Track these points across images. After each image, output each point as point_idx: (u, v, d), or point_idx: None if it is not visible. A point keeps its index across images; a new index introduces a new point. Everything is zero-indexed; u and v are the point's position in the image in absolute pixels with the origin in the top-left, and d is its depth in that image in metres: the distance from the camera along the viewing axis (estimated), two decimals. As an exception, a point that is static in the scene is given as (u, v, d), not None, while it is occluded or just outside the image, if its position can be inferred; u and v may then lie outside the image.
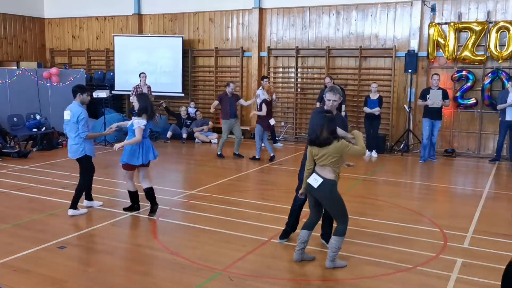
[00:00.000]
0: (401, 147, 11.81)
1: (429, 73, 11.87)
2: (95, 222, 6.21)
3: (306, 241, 5.02)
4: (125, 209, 6.72)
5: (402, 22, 12.09)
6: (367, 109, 11.37)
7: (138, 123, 6.29)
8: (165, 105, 13.91)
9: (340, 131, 4.85)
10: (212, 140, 13.24)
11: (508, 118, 10.27)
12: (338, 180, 4.86)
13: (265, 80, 12.19)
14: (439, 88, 10.65)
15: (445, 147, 11.78)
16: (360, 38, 12.58)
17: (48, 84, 13.67)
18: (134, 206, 6.71)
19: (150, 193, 6.55)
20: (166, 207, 6.94)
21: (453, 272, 4.82)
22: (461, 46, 11.33)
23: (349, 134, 4.98)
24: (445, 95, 10.64)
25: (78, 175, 6.66)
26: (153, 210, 6.55)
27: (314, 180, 4.79)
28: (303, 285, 4.57)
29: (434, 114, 10.64)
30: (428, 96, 10.56)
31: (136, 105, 6.59)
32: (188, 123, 13.64)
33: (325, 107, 5.21)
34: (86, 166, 6.61)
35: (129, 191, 6.66)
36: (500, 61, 11.03)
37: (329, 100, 5.15)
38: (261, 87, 12.26)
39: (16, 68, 15.34)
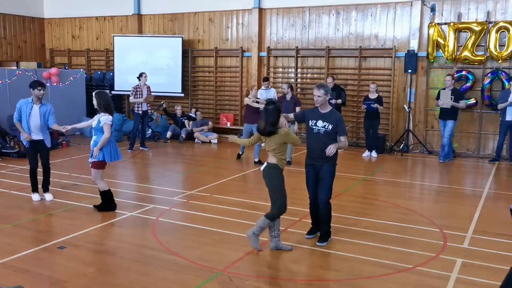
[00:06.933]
0: (400, 147, 11.81)
1: (429, 74, 11.90)
2: (95, 222, 6.21)
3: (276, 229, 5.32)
4: (99, 208, 6.72)
5: (402, 22, 12.09)
6: (364, 106, 11.34)
7: (105, 119, 6.36)
8: (165, 106, 13.89)
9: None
10: (212, 140, 13.23)
11: (508, 118, 10.34)
12: (283, 166, 5.20)
13: (265, 81, 12.13)
14: (453, 88, 10.66)
15: (444, 147, 11.80)
16: (360, 38, 12.58)
17: (48, 84, 13.66)
18: (112, 205, 6.75)
19: (109, 194, 6.68)
20: (166, 207, 6.95)
21: (452, 272, 4.82)
22: (461, 46, 11.32)
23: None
24: (457, 96, 10.61)
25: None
26: (111, 209, 6.69)
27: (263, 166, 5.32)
28: (303, 285, 4.57)
29: (443, 114, 10.78)
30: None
31: (95, 102, 6.49)
32: (183, 121, 13.62)
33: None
34: None
35: (103, 191, 6.66)
36: (499, 61, 11.02)
37: (314, 95, 5.36)
38: (261, 87, 12.24)
39: (16, 68, 15.35)
